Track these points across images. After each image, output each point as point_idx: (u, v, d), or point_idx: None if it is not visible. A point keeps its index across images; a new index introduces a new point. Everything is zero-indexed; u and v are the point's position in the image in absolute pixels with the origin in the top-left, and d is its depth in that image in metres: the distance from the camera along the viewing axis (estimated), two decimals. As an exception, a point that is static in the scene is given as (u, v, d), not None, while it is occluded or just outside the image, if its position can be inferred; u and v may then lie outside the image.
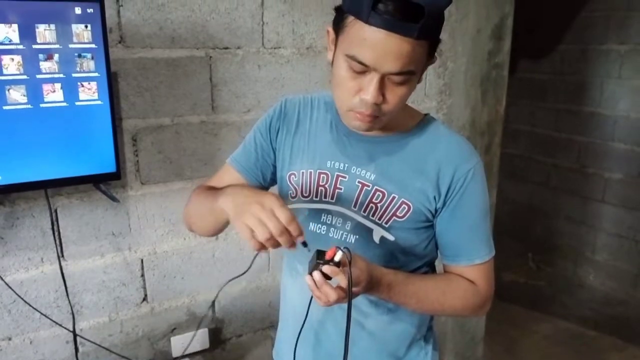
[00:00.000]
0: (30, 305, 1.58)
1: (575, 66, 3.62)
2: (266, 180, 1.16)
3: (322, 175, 1.06)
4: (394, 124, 1.01)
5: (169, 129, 1.69)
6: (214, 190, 1.06)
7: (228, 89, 1.75)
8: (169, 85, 1.65)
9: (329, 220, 1.06)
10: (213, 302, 1.90)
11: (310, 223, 1.07)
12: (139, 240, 1.72)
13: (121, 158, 1.60)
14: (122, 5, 1.53)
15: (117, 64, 1.55)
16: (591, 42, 3.50)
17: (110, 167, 1.49)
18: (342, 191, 1.04)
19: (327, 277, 0.85)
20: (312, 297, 0.93)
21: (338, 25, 0.90)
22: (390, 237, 1.02)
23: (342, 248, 0.86)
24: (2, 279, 1.53)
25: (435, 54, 0.93)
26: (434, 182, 0.99)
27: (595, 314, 3.38)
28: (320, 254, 0.87)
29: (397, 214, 1.01)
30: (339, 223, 1.05)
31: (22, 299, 1.57)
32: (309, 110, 1.12)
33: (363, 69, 0.87)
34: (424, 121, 1.05)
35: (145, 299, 1.78)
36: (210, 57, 1.69)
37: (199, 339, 1.89)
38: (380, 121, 0.94)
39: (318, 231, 1.07)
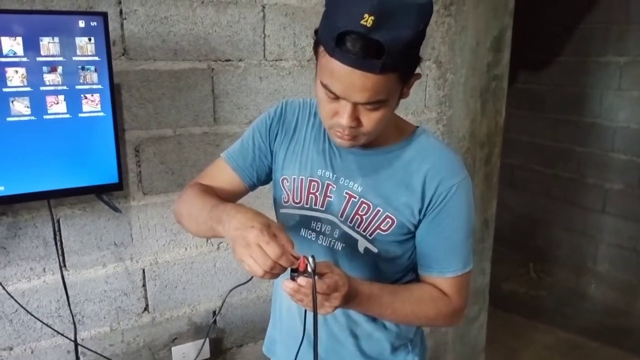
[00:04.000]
0: (32, 315, 1.59)
1: (575, 77, 3.64)
2: (260, 180, 1.18)
3: (312, 183, 1.08)
4: (384, 137, 1.03)
5: (171, 140, 1.70)
6: (210, 199, 1.05)
7: (230, 100, 1.77)
8: (171, 97, 1.67)
9: (318, 227, 1.08)
10: (214, 312, 1.91)
11: (301, 229, 1.10)
12: (141, 250, 1.73)
13: (123, 169, 1.61)
14: (125, 18, 1.55)
15: (120, 76, 1.57)
16: (590, 53, 3.52)
17: (113, 178, 1.51)
18: (331, 200, 1.07)
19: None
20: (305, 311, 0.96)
21: (315, 49, 0.91)
22: (374, 249, 1.05)
23: (308, 258, 0.87)
24: (4, 288, 1.54)
25: (419, 70, 0.94)
26: (419, 195, 1.01)
27: (597, 325, 3.37)
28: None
29: (381, 227, 1.03)
30: (327, 231, 1.08)
31: (23, 308, 1.57)
32: (307, 116, 1.14)
33: (336, 96, 0.89)
34: (415, 134, 1.06)
35: (146, 308, 1.78)
36: (213, 69, 1.71)
37: (199, 349, 1.89)
38: (362, 139, 0.96)
39: (308, 237, 1.10)
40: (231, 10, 1.70)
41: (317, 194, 1.08)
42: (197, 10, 1.65)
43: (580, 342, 3.19)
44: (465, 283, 1.08)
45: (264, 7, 1.76)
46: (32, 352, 1.63)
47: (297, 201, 1.10)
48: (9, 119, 1.34)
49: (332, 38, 0.82)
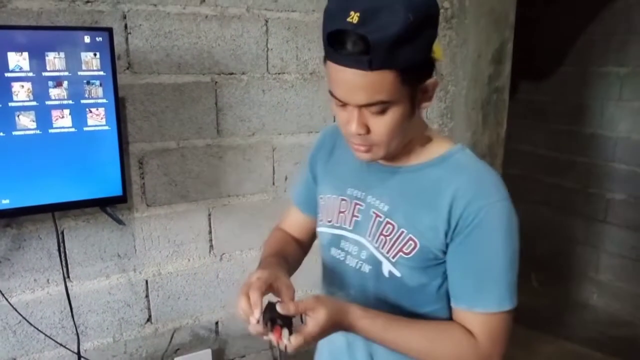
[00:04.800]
0: (35, 327, 1.60)
1: (576, 88, 3.65)
2: None
3: (342, 202, 1.06)
4: (414, 154, 0.99)
5: (175, 152, 1.72)
6: (269, 249, 1.16)
7: (233, 113, 1.78)
8: (175, 110, 1.69)
9: (346, 247, 1.05)
10: (217, 323, 1.91)
11: (332, 248, 1.08)
12: (144, 262, 1.74)
13: (127, 181, 1.63)
14: (130, 33, 1.57)
15: (125, 89, 1.58)
16: (591, 64, 3.53)
17: (117, 191, 1.52)
18: (359, 219, 1.03)
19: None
20: None
21: (324, 62, 0.91)
22: (397, 273, 0.97)
23: (276, 304, 0.87)
24: (7, 300, 1.55)
25: (434, 76, 0.90)
26: (445, 216, 0.92)
27: (600, 335, 3.36)
28: (271, 306, 0.88)
29: (404, 249, 0.96)
30: (355, 251, 1.03)
31: (26, 320, 1.58)
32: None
33: (342, 102, 0.89)
34: (449, 152, 0.98)
35: (149, 319, 1.79)
36: (216, 82, 1.73)
37: (201, 360, 1.90)
38: (379, 151, 0.93)
39: (337, 257, 1.07)
40: (234, 25, 1.72)
41: (346, 212, 1.05)
42: (200, 24, 1.66)
43: (584, 353, 3.18)
44: (499, 326, 0.92)
45: (267, 21, 1.77)
46: (35, 363, 1.64)
47: (329, 220, 1.08)
48: (14, 132, 1.36)
49: (325, 41, 0.84)
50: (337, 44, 0.82)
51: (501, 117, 2.27)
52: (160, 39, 1.62)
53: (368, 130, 0.89)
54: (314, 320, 0.87)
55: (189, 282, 1.83)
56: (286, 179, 1.93)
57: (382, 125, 0.88)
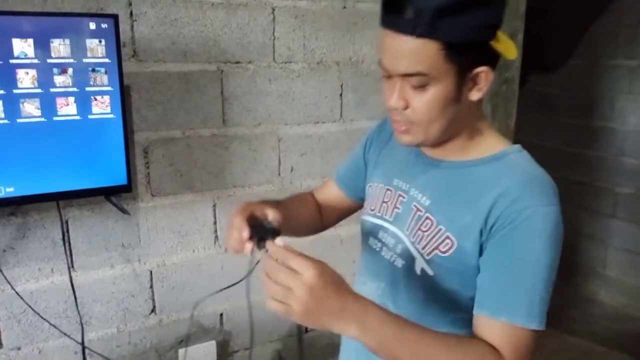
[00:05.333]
0: (40, 316, 1.59)
1: (585, 81, 3.61)
2: (364, 196, 1.16)
3: (387, 192, 1.04)
4: (465, 148, 0.94)
5: (180, 142, 1.70)
6: (290, 199, 1.21)
7: (239, 102, 1.76)
8: (180, 99, 1.67)
9: (384, 238, 1.03)
10: (221, 314, 1.90)
11: (370, 237, 1.06)
12: (148, 252, 1.73)
13: (132, 170, 1.61)
14: (135, 20, 1.55)
15: (130, 78, 1.56)
16: (601, 57, 3.49)
17: (122, 180, 1.51)
18: (399, 211, 1.00)
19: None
20: None
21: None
22: (430, 272, 0.92)
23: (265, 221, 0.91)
24: (12, 288, 1.54)
25: (484, 69, 0.84)
26: (485, 214, 0.86)
27: (606, 330, 3.35)
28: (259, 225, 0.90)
29: (440, 248, 0.91)
30: (391, 244, 1.01)
31: (31, 308, 1.58)
32: None
33: (387, 73, 0.88)
34: (503, 152, 0.92)
35: (153, 310, 1.78)
36: (222, 71, 1.71)
37: (206, 351, 1.89)
38: (418, 133, 0.90)
39: (374, 247, 1.05)
40: (241, 13, 1.70)
41: (389, 203, 1.03)
42: (207, 12, 1.64)
43: (589, 348, 3.16)
44: (527, 344, 0.83)
45: (273, 9, 1.75)
46: (39, 352, 1.63)
47: (373, 208, 1.07)
48: (19, 120, 1.35)
49: (380, 5, 0.84)
50: (388, 7, 0.83)
51: (510, 108, 2.25)
52: (166, 26, 1.60)
53: (407, 106, 0.88)
54: (318, 266, 0.74)
55: (194, 273, 1.82)
56: (292, 169, 1.91)
57: (421, 102, 0.86)
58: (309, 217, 1.22)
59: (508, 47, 0.86)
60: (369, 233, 1.07)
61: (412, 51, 0.82)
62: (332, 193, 1.25)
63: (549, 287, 0.84)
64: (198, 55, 1.66)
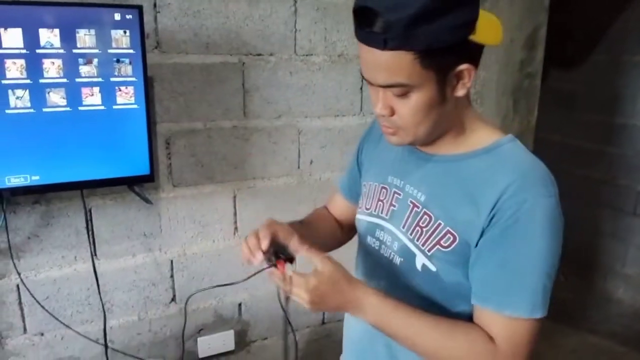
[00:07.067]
0: (63, 303, 1.62)
1: (608, 77, 3.56)
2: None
3: (382, 190, 1.04)
4: (457, 141, 0.94)
5: (202, 133, 1.71)
6: (308, 216, 1.24)
7: (260, 94, 1.77)
8: (202, 91, 1.68)
9: (381, 236, 1.02)
10: (240, 304, 1.92)
11: (368, 236, 1.06)
12: (169, 242, 1.75)
13: (154, 161, 1.63)
14: (159, 12, 1.57)
15: (153, 69, 1.58)
16: (624, 53, 3.44)
17: (144, 170, 1.52)
18: (395, 209, 1.00)
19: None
20: None
21: None
22: (432, 267, 0.91)
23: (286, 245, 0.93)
24: (36, 275, 1.57)
25: (467, 67, 0.82)
26: (484, 207, 0.85)
27: (625, 329, 3.30)
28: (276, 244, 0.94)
29: (442, 243, 0.90)
30: (388, 242, 1.00)
31: (55, 296, 1.60)
32: None
33: (370, 82, 0.88)
34: (497, 143, 0.91)
35: (173, 299, 1.80)
36: (244, 63, 1.72)
37: (224, 341, 1.91)
38: (406, 135, 0.90)
39: (372, 246, 1.05)
40: (263, 5, 1.70)
41: (384, 201, 1.02)
42: (229, 4, 1.65)
43: (608, 347, 3.13)
44: (525, 334, 0.84)
45: (295, 2, 1.75)
46: (62, 339, 1.66)
47: (368, 207, 1.07)
48: (45, 109, 1.37)
49: (354, 19, 0.83)
50: (359, 21, 0.81)
51: (532, 103, 2.22)
52: (189, 18, 1.61)
53: (392, 113, 0.87)
54: (320, 267, 0.88)
55: (213, 263, 1.84)
56: (311, 162, 1.92)
57: (406, 109, 0.85)
58: (332, 232, 1.23)
59: (489, 32, 0.83)
60: (366, 232, 1.07)
61: (387, 64, 0.81)
62: (340, 204, 1.26)
63: (553, 274, 0.86)
64: (220, 47, 1.67)
